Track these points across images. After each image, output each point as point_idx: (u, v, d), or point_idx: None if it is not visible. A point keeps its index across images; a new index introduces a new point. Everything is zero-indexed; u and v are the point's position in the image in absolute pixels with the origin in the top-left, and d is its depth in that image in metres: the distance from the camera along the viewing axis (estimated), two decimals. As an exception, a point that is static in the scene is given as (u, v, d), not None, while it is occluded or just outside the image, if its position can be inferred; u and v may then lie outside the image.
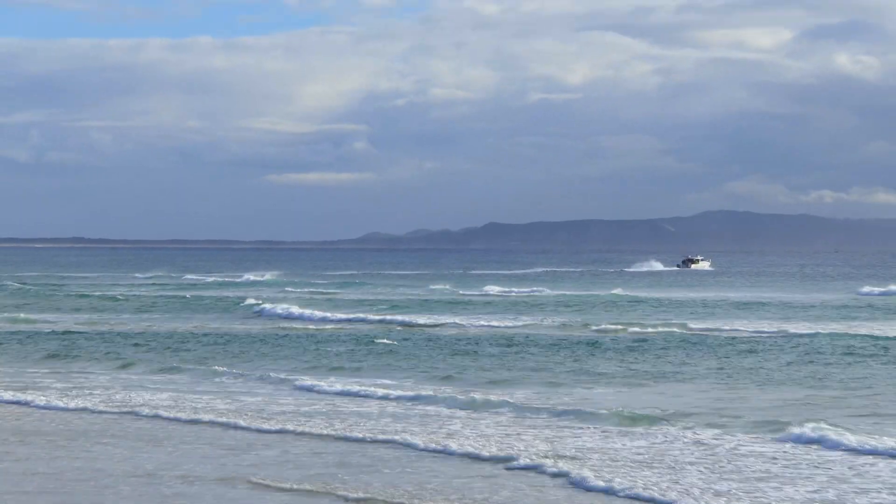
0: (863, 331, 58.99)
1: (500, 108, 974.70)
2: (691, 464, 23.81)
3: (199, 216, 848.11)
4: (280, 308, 76.46)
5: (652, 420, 29.29)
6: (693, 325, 63.08)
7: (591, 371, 42.44)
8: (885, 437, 25.80)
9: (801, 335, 56.29)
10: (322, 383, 38.32)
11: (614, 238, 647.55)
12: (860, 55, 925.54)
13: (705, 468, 23.26)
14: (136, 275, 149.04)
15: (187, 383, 39.88)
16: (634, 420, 29.27)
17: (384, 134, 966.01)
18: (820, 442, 25.46)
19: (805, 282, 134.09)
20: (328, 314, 73.83)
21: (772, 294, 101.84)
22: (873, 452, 24.31)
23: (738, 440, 26.52)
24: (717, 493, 21.07)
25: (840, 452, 24.68)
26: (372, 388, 36.66)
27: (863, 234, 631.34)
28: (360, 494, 21.27)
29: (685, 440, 26.96)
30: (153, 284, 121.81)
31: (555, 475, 22.75)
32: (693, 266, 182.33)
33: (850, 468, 23.19)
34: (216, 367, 44.05)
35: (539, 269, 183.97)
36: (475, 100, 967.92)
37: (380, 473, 23.16)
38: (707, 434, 27.11)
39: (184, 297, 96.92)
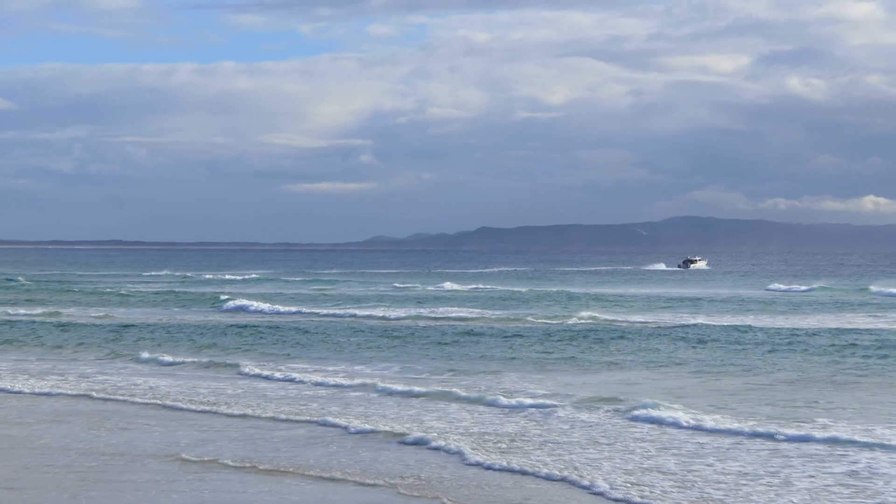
0: (748, 321, 58.93)
1: (490, 126, 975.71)
2: (538, 436, 23.99)
3: (224, 221, 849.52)
4: (241, 302, 75.31)
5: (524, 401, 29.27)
6: (604, 316, 62.59)
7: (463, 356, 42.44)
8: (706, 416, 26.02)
9: (693, 325, 56.20)
10: (253, 368, 37.76)
11: (592, 241, 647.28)
12: (810, 78, 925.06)
13: (549, 441, 23.36)
14: (153, 272, 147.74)
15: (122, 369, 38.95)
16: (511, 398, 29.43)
17: (387, 148, 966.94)
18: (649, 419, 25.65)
19: (740, 278, 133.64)
20: (283, 308, 72.49)
21: (702, 290, 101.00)
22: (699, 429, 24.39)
23: (587, 416, 26.52)
24: (547, 455, 21.60)
25: (666, 427, 24.72)
26: (292, 374, 36.09)
27: (813, 238, 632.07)
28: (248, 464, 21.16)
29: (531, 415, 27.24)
30: (155, 281, 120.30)
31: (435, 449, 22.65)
32: (692, 266, 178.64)
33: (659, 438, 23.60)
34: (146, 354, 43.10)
35: (496, 269, 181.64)
36: (468, 118, 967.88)
37: (292, 450, 22.73)
38: (566, 412, 27.09)
39: (172, 291, 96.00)
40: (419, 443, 23.03)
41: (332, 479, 19.65)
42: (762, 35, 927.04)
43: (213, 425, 26.14)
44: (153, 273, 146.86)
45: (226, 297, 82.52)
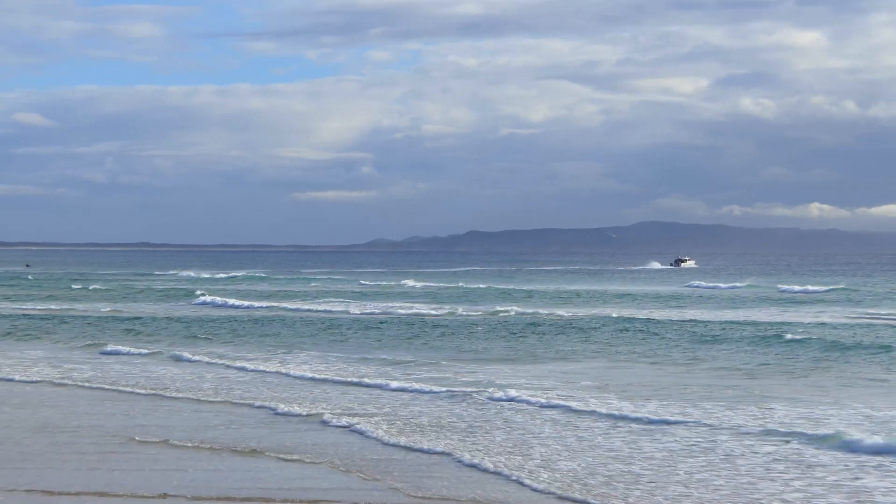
0: (642, 315, 58.78)
1: (477, 141, 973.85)
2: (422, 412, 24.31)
3: (240, 225, 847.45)
4: (210, 298, 74.63)
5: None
6: (523, 310, 62.53)
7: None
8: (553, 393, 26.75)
9: (588, 317, 56.55)
10: (189, 354, 37.35)
11: (569, 243, 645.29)
12: (760, 99, 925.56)
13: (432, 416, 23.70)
14: (173, 272, 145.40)
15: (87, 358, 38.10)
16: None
17: (386, 161, 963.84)
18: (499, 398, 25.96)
19: (673, 276, 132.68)
20: (248, 303, 71.43)
21: (638, 287, 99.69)
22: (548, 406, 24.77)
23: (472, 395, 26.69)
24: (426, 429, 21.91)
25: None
26: (233, 362, 35.37)
27: (764, 240, 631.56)
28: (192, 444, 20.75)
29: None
30: (158, 279, 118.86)
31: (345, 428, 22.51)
32: (682, 265, 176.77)
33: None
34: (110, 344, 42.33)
35: (468, 268, 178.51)
36: (458, 134, 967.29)
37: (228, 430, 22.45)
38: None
39: (154, 288, 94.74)
40: (325, 423, 22.84)
41: (256, 454, 19.59)
42: (719, 60, 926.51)
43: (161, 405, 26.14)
44: (172, 272, 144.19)
45: (200, 292, 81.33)
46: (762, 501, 15.70)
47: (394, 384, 29.04)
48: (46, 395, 28.33)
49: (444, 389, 27.74)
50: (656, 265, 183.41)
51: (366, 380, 30.24)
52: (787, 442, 19.82)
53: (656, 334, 46.04)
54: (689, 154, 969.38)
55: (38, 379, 31.47)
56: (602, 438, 20.70)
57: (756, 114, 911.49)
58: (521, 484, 16.79)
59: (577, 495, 16.01)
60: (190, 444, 20.54)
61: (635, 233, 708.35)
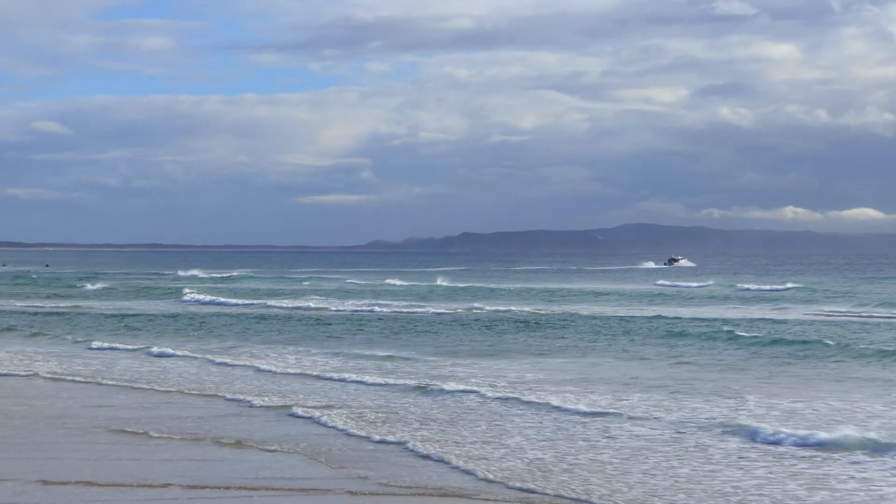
0: (609, 311, 59.12)
1: (470, 147, 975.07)
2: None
3: (247, 227, 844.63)
4: (196, 296, 74.41)
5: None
6: (488, 307, 62.00)
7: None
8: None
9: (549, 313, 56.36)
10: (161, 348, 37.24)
11: (556, 244, 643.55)
12: (737, 108, 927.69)
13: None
14: (180, 272, 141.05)
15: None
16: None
17: (384, 166, 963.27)
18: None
19: (650, 275, 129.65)
20: (237, 300, 70.83)
21: (609, 285, 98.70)
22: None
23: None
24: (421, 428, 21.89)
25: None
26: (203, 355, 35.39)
27: (741, 241, 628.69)
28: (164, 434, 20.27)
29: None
30: (161, 278, 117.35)
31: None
32: (676, 264, 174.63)
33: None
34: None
35: (457, 267, 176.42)
36: (452, 141, 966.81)
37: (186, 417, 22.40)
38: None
39: (155, 286, 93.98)
40: (294, 415, 22.57)
41: (241, 446, 19.23)
42: (697, 71, 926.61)
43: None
44: (171, 272, 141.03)
45: (188, 290, 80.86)
46: (718, 489, 15.61)
47: (355, 377, 28.84)
48: (25, 386, 28.02)
49: (405, 382, 27.67)
50: (651, 264, 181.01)
51: (333, 374, 29.85)
52: (721, 432, 19.87)
53: (612, 329, 46.27)
54: (669, 160, 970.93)
55: (26, 373, 31.01)
56: (558, 430, 20.51)
57: (733, 122, 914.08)
58: (475, 475, 16.51)
59: (532, 485, 15.80)
60: (177, 437, 19.98)
61: (620, 234, 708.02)
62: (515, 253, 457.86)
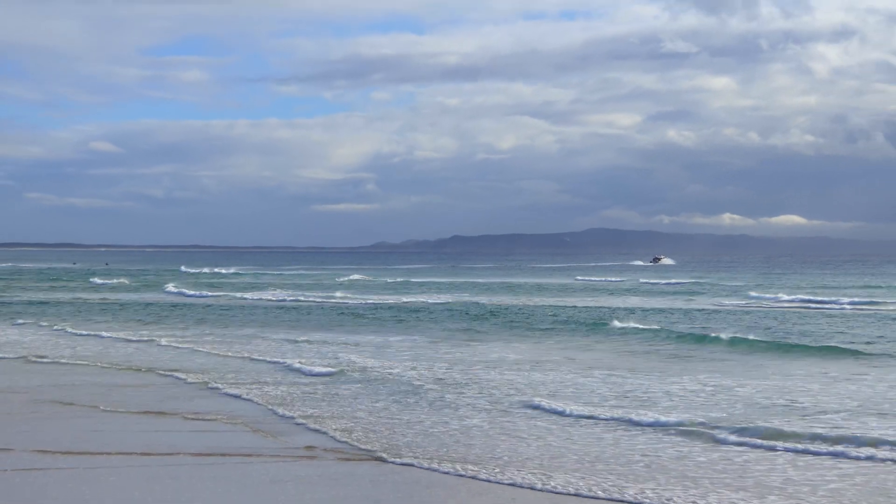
0: (519, 302, 57.68)
1: (459, 164, 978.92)
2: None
3: (270, 231, 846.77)
4: (177, 289, 72.57)
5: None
6: (405, 299, 60.12)
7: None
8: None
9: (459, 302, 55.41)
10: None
11: (534, 245, 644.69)
12: (683, 131, 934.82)
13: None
14: (183, 267, 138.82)
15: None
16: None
17: (386, 179, 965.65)
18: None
19: (580, 272, 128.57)
20: (210, 293, 68.28)
21: (544, 280, 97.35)
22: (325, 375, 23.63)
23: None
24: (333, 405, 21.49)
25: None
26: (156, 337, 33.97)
27: (687, 243, 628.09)
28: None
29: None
30: (176, 275, 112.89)
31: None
32: (659, 262, 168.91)
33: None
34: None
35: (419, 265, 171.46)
36: (443, 158, 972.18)
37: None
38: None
39: (148, 281, 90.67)
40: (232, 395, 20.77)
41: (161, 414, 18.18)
42: (650, 100, 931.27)
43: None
44: (181, 268, 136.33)
45: (171, 284, 79.08)
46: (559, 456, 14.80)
47: (284, 360, 26.61)
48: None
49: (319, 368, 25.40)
50: (639, 262, 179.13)
51: (266, 357, 27.69)
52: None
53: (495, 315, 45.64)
54: (627, 174, 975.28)
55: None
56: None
57: (680, 143, 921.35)
58: (338, 440, 15.50)
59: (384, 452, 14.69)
60: (122, 410, 18.51)
61: (586, 237, 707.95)
62: (498, 253, 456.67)
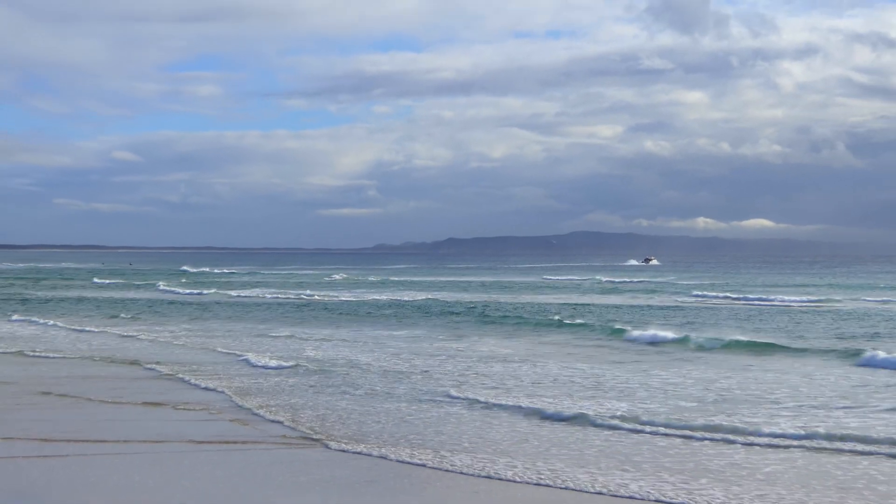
0: (501, 298, 58.10)
1: (453, 172, 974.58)
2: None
3: (279, 234, 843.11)
4: (170, 287, 72.29)
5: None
6: (378, 297, 59.73)
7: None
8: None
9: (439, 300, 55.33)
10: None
11: (523, 247, 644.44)
12: (660, 141, 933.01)
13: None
14: (184, 267, 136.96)
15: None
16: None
17: (386, 186, 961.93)
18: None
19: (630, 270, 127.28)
20: (200, 290, 67.47)
21: (516, 278, 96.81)
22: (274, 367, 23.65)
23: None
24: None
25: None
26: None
27: (664, 245, 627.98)
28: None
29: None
30: (178, 274, 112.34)
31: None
32: (649, 262, 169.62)
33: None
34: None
35: (402, 266, 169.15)
36: (439, 166, 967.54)
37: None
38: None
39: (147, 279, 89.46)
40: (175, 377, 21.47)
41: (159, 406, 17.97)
42: (629, 113, 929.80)
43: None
44: (184, 268, 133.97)
45: (162, 283, 78.25)
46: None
47: (244, 354, 26.26)
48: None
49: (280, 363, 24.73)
50: (633, 262, 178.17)
51: (234, 351, 27.41)
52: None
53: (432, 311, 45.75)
54: (608, 181, 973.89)
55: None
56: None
57: (656, 152, 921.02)
58: (281, 423, 15.85)
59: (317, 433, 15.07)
60: (111, 401, 18.34)
61: (570, 239, 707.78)
62: (490, 254, 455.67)
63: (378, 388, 20.25)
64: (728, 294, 62.07)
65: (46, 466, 12.32)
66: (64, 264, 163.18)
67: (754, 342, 29.08)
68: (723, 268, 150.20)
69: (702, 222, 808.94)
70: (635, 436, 14.47)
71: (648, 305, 52.14)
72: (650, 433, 14.67)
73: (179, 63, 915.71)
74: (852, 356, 25.19)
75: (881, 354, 24.61)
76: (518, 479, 11.65)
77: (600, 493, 10.95)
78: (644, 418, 15.75)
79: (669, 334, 31.06)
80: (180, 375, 22.15)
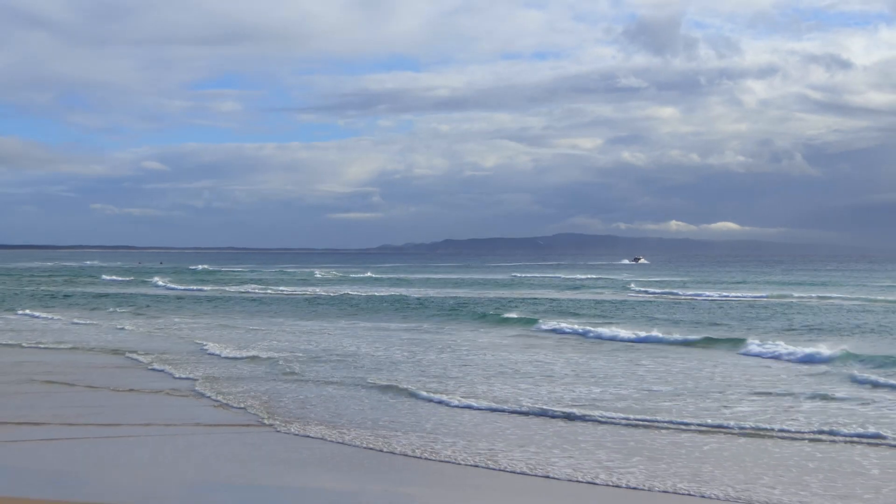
0: (461, 293, 56.03)
1: (450, 179, 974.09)
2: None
3: (293, 235, 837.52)
4: (165, 283, 69.97)
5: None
6: (354, 292, 57.24)
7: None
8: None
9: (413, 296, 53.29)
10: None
11: (512, 247, 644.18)
12: (636, 152, 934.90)
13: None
14: (189, 265, 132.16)
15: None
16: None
17: (389, 193, 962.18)
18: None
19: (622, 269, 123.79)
20: (195, 286, 65.05)
21: (489, 276, 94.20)
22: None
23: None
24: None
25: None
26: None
27: (640, 247, 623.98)
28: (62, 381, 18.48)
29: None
30: (188, 271, 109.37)
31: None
32: (639, 261, 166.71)
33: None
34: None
35: (389, 264, 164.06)
36: (437, 175, 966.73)
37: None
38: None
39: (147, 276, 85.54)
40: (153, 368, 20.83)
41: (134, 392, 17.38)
42: (608, 126, 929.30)
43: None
44: (194, 265, 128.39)
45: (157, 278, 75.59)
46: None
47: (204, 344, 25.76)
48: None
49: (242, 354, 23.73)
50: (626, 261, 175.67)
51: (205, 342, 26.52)
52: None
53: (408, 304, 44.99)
54: (589, 188, 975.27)
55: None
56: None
57: (633, 162, 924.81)
58: (230, 406, 15.67)
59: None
60: (104, 387, 17.73)
61: (556, 241, 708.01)
62: (483, 254, 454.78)
63: (317, 375, 19.71)
64: (674, 291, 61.57)
65: (62, 447, 12.06)
66: (88, 262, 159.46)
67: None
68: (710, 267, 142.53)
69: (674, 225, 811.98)
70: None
71: (594, 300, 52.08)
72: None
73: (204, 81, 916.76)
74: (737, 345, 25.28)
75: (756, 347, 24.78)
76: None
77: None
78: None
79: (577, 326, 31.15)
80: (161, 366, 21.37)
